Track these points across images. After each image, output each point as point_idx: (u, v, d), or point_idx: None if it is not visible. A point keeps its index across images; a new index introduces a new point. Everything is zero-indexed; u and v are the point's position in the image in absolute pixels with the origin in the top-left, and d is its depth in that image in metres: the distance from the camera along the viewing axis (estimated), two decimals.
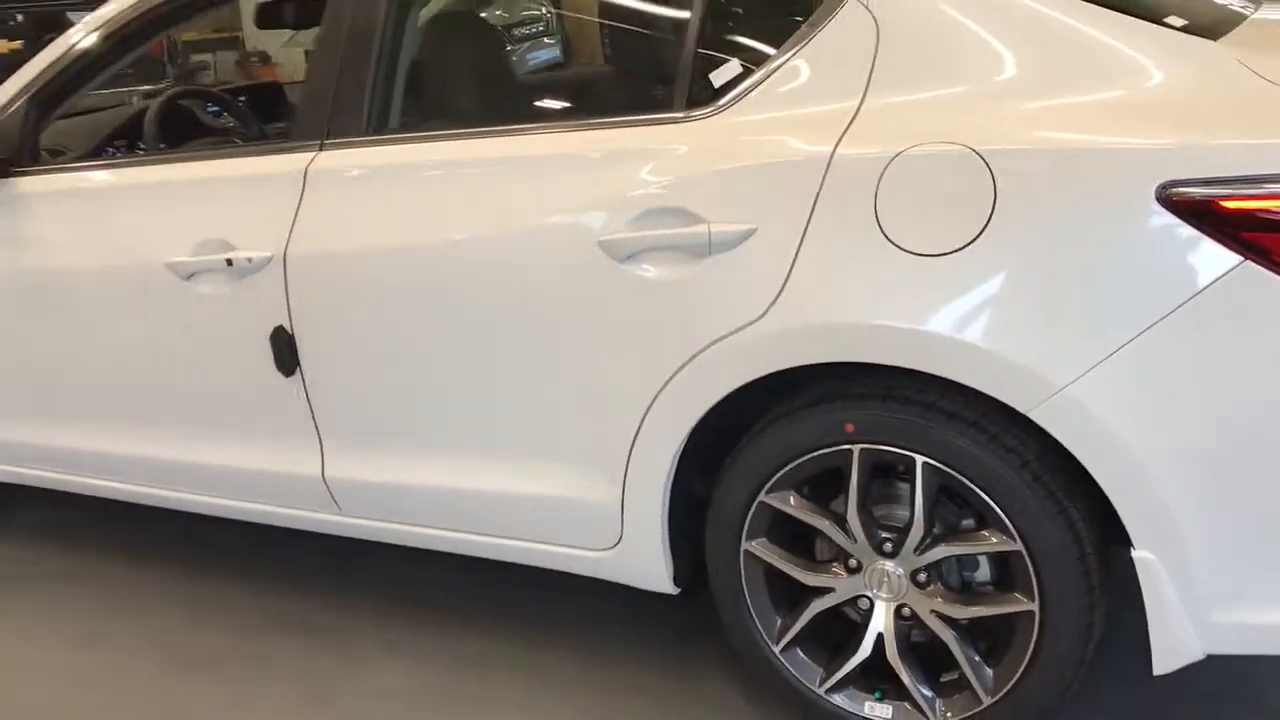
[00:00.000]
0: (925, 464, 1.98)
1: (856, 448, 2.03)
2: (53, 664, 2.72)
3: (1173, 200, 1.74)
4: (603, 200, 2.11)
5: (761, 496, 2.13)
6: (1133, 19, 1.95)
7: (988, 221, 1.84)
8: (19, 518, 3.43)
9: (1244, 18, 2.27)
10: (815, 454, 2.07)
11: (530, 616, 2.74)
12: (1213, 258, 1.73)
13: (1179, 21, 2.01)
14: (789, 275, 1.97)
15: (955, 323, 1.86)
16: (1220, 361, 1.76)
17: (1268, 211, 1.71)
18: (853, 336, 1.95)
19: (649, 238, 2.07)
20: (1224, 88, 1.84)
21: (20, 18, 8.35)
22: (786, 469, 2.10)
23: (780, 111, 2.03)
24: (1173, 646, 1.89)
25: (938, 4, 1.98)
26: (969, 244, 1.85)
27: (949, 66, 1.95)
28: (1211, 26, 2.05)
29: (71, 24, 8.52)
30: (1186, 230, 1.74)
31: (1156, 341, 1.77)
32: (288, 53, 8.30)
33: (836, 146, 1.95)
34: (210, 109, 3.37)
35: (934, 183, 1.88)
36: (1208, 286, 1.74)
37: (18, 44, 8.37)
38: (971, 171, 1.84)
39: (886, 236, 1.90)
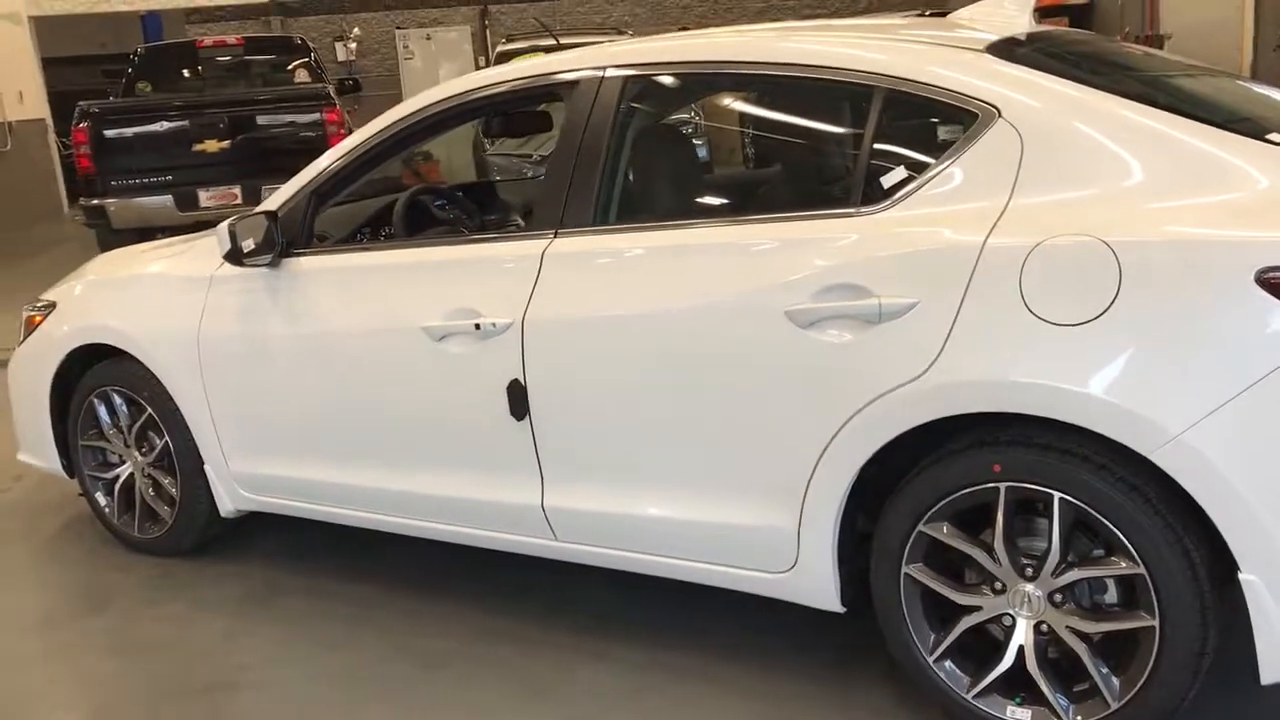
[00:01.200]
0: (1061, 499, 2.38)
1: (1003, 485, 2.44)
2: (306, 662, 3.26)
3: (1268, 282, 2.14)
4: (789, 278, 2.60)
5: (920, 526, 2.55)
6: (1236, 135, 2.37)
7: (1115, 298, 2.26)
8: (259, 545, 4.03)
9: None
10: (968, 490, 2.48)
11: (711, 633, 3.18)
12: None
13: (1277, 136, 2.42)
14: (947, 340, 2.42)
15: (1085, 379, 2.28)
16: None
17: None
18: (999, 391, 2.38)
19: (829, 308, 2.54)
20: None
21: (227, 120, 9.43)
22: (943, 503, 2.52)
23: (940, 208, 2.50)
24: (1278, 659, 2.23)
25: (1072, 121, 2.44)
26: (1098, 316, 2.27)
27: (1080, 173, 2.40)
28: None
29: (267, 125, 9.54)
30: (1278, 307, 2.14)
31: (1255, 398, 2.16)
32: (445, 150, 9.17)
33: (988, 237, 2.40)
34: (438, 202, 3.99)
35: (1069, 266, 2.31)
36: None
37: (225, 143, 9.46)
38: (1100, 257, 2.28)
39: (1029, 309, 2.33)
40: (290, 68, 11.85)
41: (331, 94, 9.89)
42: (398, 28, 18.36)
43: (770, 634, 3.13)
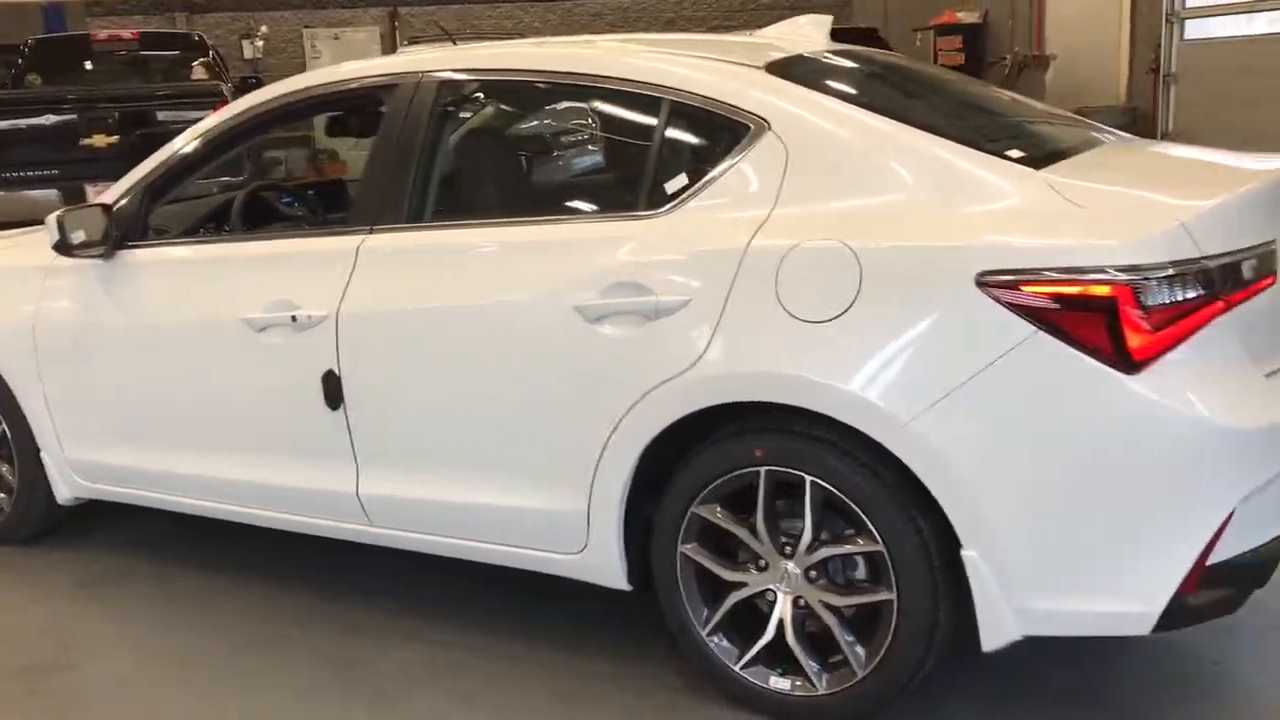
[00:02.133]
0: (812, 482, 2.58)
1: (763, 469, 2.64)
2: (131, 645, 3.35)
3: (987, 285, 2.37)
4: (580, 275, 2.77)
5: (693, 508, 2.74)
6: (977, 151, 2.60)
7: (855, 298, 2.47)
8: (102, 534, 4.10)
9: (1091, 146, 2.93)
10: (734, 474, 2.68)
11: (522, 613, 3.34)
12: (1014, 328, 2.35)
13: (1016, 154, 2.66)
14: (713, 335, 2.61)
15: (830, 371, 2.49)
16: (1022, 404, 2.37)
17: (1053, 295, 2.33)
18: (756, 382, 2.58)
19: (613, 304, 2.72)
20: (1031, 205, 2.47)
21: (117, 115, 9.39)
22: (712, 486, 2.71)
23: (714, 213, 2.70)
24: (996, 627, 2.45)
25: (834, 135, 2.65)
26: (842, 314, 2.48)
27: (838, 183, 2.61)
28: (1044, 158, 2.70)
29: (158, 121, 9.48)
30: (997, 308, 2.36)
31: (976, 389, 2.39)
32: (355, 152, 9.30)
33: (751, 240, 2.60)
34: (284, 199, 4.11)
35: (817, 268, 2.52)
36: (1010, 350, 2.35)
37: (114, 139, 9.41)
38: (844, 260, 2.48)
39: (784, 306, 2.53)
40: (190, 65, 11.80)
41: (225, 92, 9.87)
42: (305, 27, 18.32)
43: (580, 614, 3.29)
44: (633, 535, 2.87)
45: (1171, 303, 2.32)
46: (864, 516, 2.54)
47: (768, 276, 2.56)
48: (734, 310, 2.60)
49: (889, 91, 3.14)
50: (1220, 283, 2.37)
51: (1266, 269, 2.51)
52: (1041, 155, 2.74)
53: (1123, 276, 2.30)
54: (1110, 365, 2.31)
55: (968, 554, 2.44)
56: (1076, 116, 3.52)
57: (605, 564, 2.89)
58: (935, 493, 2.44)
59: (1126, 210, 2.46)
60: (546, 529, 2.94)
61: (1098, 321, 2.31)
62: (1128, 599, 2.37)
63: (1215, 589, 2.41)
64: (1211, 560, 2.36)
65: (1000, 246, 2.40)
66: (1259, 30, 10.52)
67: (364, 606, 3.48)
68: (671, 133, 2.87)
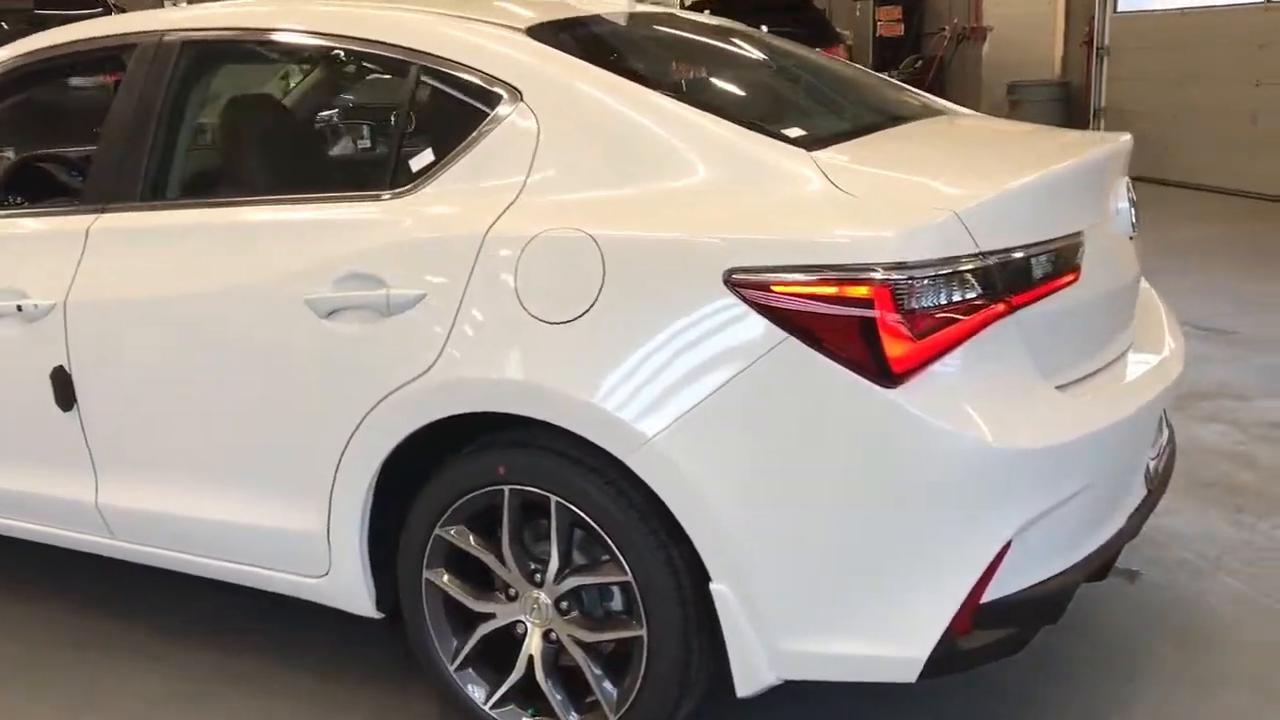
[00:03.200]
0: (558, 504, 2.27)
1: (507, 488, 2.33)
2: None
3: (736, 283, 2.06)
4: (313, 263, 2.44)
5: (437, 529, 2.43)
6: (748, 130, 2.28)
7: (598, 295, 2.16)
8: None
9: (905, 122, 2.63)
10: (477, 492, 2.37)
11: (280, 639, 3.02)
12: (765, 333, 2.05)
13: (796, 133, 2.35)
14: (449, 335, 2.29)
15: (568, 379, 2.17)
16: (773, 421, 2.07)
17: (804, 296, 2.02)
18: (492, 390, 2.26)
19: (346, 298, 2.40)
20: (795, 191, 2.16)
21: None
22: (455, 505, 2.40)
23: (459, 195, 2.37)
24: (749, 671, 2.16)
25: (590, 109, 2.33)
26: (583, 314, 2.17)
27: (591, 163, 2.29)
28: (831, 137, 2.39)
29: None
30: (746, 309, 2.05)
31: (723, 402, 2.08)
32: None
33: (491, 227, 2.28)
34: (72, 172, 3.73)
35: (559, 261, 2.20)
36: (760, 358, 2.05)
37: None
38: (587, 252, 2.17)
39: (521, 304, 2.22)
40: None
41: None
42: None
43: (340, 637, 2.98)
44: (389, 559, 2.56)
45: (938, 305, 2.02)
46: (611, 543, 2.23)
47: (507, 269, 2.25)
48: (469, 307, 2.28)
49: (680, 62, 2.82)
50: (1002, 282, 2.08)
51: (1067, 265, 2.22)
52: (830, 134, 2.44)
53: (879, 275, 2.00)
54: (867, 377, 2.01)
55: (717, 588, 2.14)
56: (920, 94, 3.21)
57: (351, 589, 2.58)
58: (681, 519, 2.14)
59: (898, 198, 2.15)
60: (288, 549, 2.62)
61: (852, 327, 2.00)
62: (891, 642, 2.08)
63: (993, 629, 2.13)
64: (987, 598, 2.08)
65: (751, 240, 2.09)
66: (1190, 3, 10.25)
67: (125, 623, 3.15)
68: (420, 102, 2.54)
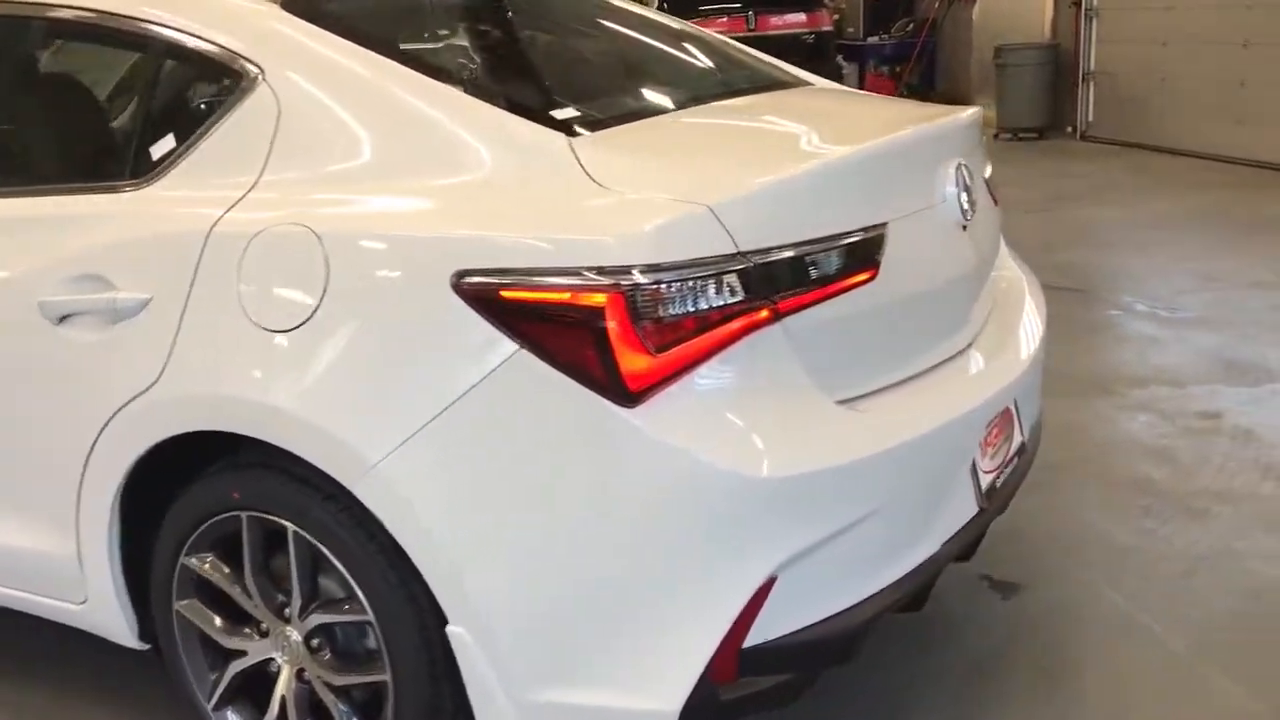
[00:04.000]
0: (294, 533, 2.03)
1: (245, 514, 2.09)
2: None
3: (464, 289, 1.80)
4: (46, 262, 2.20)
5: (182, 558, 2.19)
6: (508, 113, 2.02)
7: (320, 301, 1.91)
8: None
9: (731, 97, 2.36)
10: (216, 519, 2.13)
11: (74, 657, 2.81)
12: (496, 345, 1.79)
13: (570, 113, 2.08)
14: (174, 345, 2.04)
15: (288, 396, 1.93)
16: (506, 446, 1.82)
17: (535, 304, 1.77)
18: (212, 406, 2.02)
19: (75, 301, 2.15)
20: (544, 182, 1.90)
21: None
22: (198, 532, 2.16)
23: (195, 187, 2.12)
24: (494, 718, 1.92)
25: (332, 90, 2.07)
26: (304, 322, 1.92)
27: (338, 152, 2.03)
28: (612, 118, 2.12)
29: None
30: (476, 318, 1.80)
31: (453, 424, 1.82)
32: None
33: (216, 223, 2.03)
34: None
35: (281, 261, 1.95)
36: (491, 373, 1.80)
37: None
38: (310, 251, 1.92)
39: (244, 310, 1.97)
40: None
41: None
42: None
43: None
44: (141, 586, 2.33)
45: (685, 314, 1.76)
46: (350, 578, 1.99)
47: (230, 270, 2.00)
48: (194, 313, 2.03)
49: (469, 37, 2.54)
50: (766, 286, 1.81)
51: (859, 262, 1.95)
52: (619, 115, 2.17)
53: (613, 281, 1.73)
54: (603, 396, 1.75)
55: (454, 630, 1.89)
56: (784, 67, 2.93)
57: (109, 617, 2.35)
58: (412, 555, 1.89)
59: (653, 191, 1.87)
60: (46, 574, 2.39)
61: (585, 340, 1.74)
62: (640, 693, 1.83)
63: (764, 675, 1.87)
64: (752, 641, 1.83)
65: (481, 239, 1.83)
66: None
67: None
68: (162, 81, 2.28)
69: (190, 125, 2.18)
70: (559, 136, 1.98)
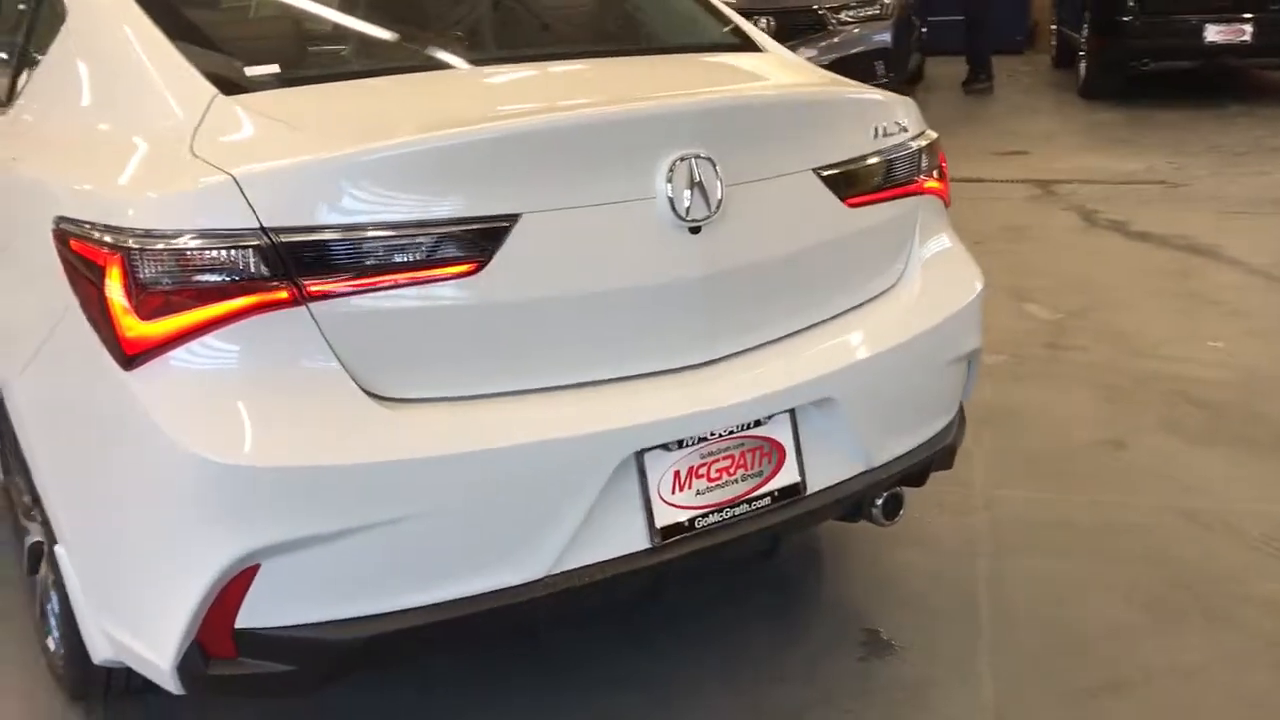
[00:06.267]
0: None
1: None
2: None
3: (56, 234, 1.91)
4: None
5: None
6: (188, 66, 2.06)
7: None
8: None
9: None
10: None
11: None
12: (66, 292, 1.88)
13: (272, 70, 2.09)
14: None
15: None
16: (61, 387, 1.94)
17: (80, 255, 1.84)
18: None
19: None
20: (157, 138, 1.94)
21: None
22: None
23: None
24: (94, 643, 2.02)
25: (91, 40, 2.23)
26: None
27: (65, 89, 2.22)
28: (294, 79, 2.12)
29: None
30: (58, 264, 1.90)
31: (44, 358, 1.98)
32: None
33: None
34: None
35: None
36: (62, 318, 1.90)
37: None
38: None
39: None
40: None
41: None
42: None
43: None
44: None
45: (184, 285, 1.74)
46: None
47: None
48: None
49: None
50: (292, 266, 1.74)
51: (454, 254, 1.80)
52: (318, 74, 2.15)
53: (115, 241, 1.75)
54: (112, 355, 1.79)
55: (58, 550, 2.05)
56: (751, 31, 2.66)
57: None
58: (32, 470, 2.07)
59: (217, 157, 1.80)
60: None
61: (95, 297, 1.79)
62: (149, 645, 1.86)
63: (260, 660, 1.83)
64: (246, 625, 1.80)
65: (74, 189, 1.94)
66: None
67: None
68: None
69: (34, 53, 2.46)
70: (210, 93, 1.99)
